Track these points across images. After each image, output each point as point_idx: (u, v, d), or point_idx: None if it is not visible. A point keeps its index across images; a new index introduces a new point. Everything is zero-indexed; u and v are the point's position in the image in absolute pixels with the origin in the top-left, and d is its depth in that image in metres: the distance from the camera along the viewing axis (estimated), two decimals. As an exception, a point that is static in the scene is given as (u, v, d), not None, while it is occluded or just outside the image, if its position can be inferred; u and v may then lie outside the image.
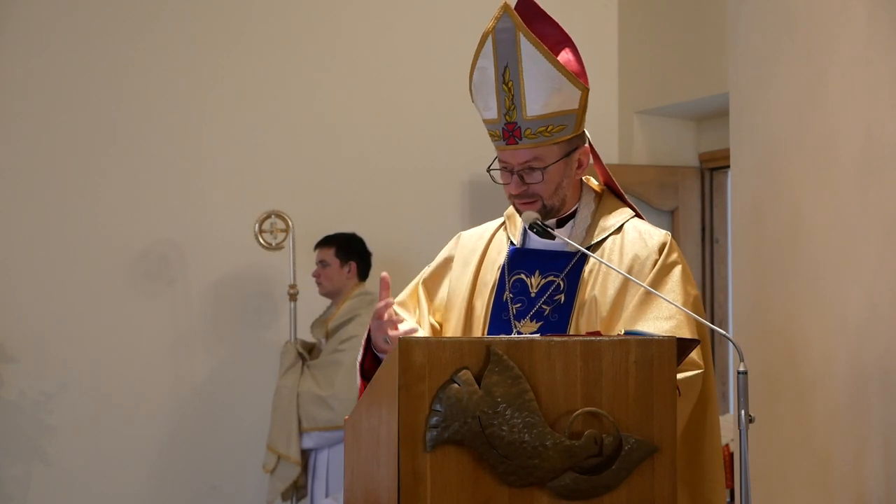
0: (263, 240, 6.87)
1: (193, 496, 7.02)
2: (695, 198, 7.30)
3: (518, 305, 3.37)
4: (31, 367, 6.82)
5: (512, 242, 3.45)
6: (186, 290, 7.05)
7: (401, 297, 3.52)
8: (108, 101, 6.94)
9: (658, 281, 3.30)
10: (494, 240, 3.50)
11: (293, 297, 6.85)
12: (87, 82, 6.91)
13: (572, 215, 3.42)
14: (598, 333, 3.10)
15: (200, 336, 7.05)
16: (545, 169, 3.31)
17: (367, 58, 7.23)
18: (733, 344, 3.00)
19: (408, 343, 2.81)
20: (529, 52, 3.25)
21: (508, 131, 3.29)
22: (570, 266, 3.36)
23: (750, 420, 2.95)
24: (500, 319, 3.37)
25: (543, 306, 3.34)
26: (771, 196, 4.63)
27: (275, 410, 6.69)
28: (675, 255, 3.36)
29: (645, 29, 7.30)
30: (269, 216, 6.88)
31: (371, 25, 7.26)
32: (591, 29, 7.32)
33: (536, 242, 3.42)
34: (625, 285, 3.30)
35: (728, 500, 5.88)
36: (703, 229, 7.30)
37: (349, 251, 6.80)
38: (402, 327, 3.27)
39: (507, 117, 3.28)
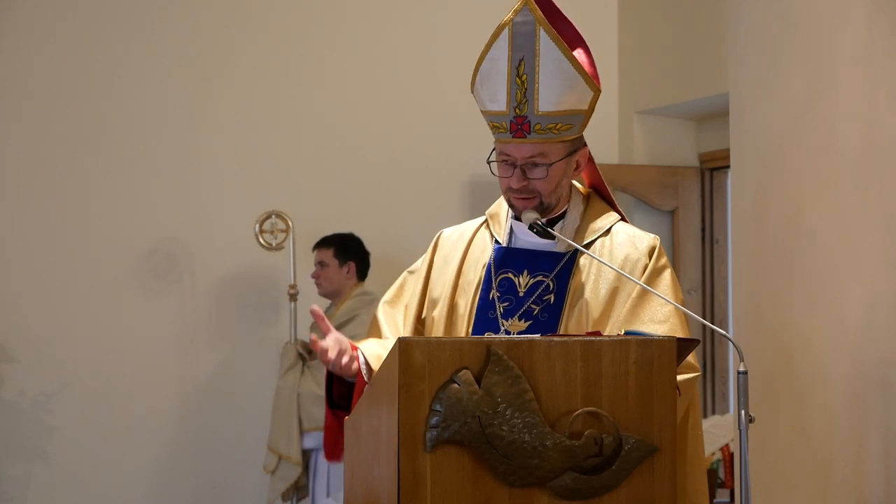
0: (264, 240, 6.87)
1: (194, 496, 7.02)
2: (695, 198, 7.29)
3: (506, 304, 3.35)
4: (31, 367, 6.82)
5: (497, 241, 3.43)
6: (187, 290, 7.04)
7: (388, 295, 3.50)
8: (109, 101, 6.94)
9: (649, 284, 3.29)
10: (476, 238, 3.48)
11: (293, 297, 6.84)
12: (88, 82, 6.92)
13: (562, 216, 3.40)
14: (598, 333, 3.10)
15: (200, 337, 7.05)
16: (550, 166, 3.31)
17: (367, 58, 7.23)
18: (733, 344, 3.00)
19: (408, 343, 2.81)
20: (548, 48, 3.24)
21: (517, 125, 3.27)
22: (560, 267, 3.35)
23: (750, 420, 2.95)
24: (485, 317, 3.35)
25: (532, 306, 3.33)
26: (771, 196, 4.62)
27: (275, 411, 6.69)
28: (664, 260, 3.38)
29: (645, 29, 7.29)
30: (269, 216, 6.87)
31: (371, 26, 7.25)
32: (591, 29, 7.24)
33: (523, 242, 3.41)
34: (615, 289, 3.31)
35: (728, 500, 5.88)
36: (703, 229, 7.30)
37: (347, 251, 6.80)
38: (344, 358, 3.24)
39: (518, 110, 3.26)
